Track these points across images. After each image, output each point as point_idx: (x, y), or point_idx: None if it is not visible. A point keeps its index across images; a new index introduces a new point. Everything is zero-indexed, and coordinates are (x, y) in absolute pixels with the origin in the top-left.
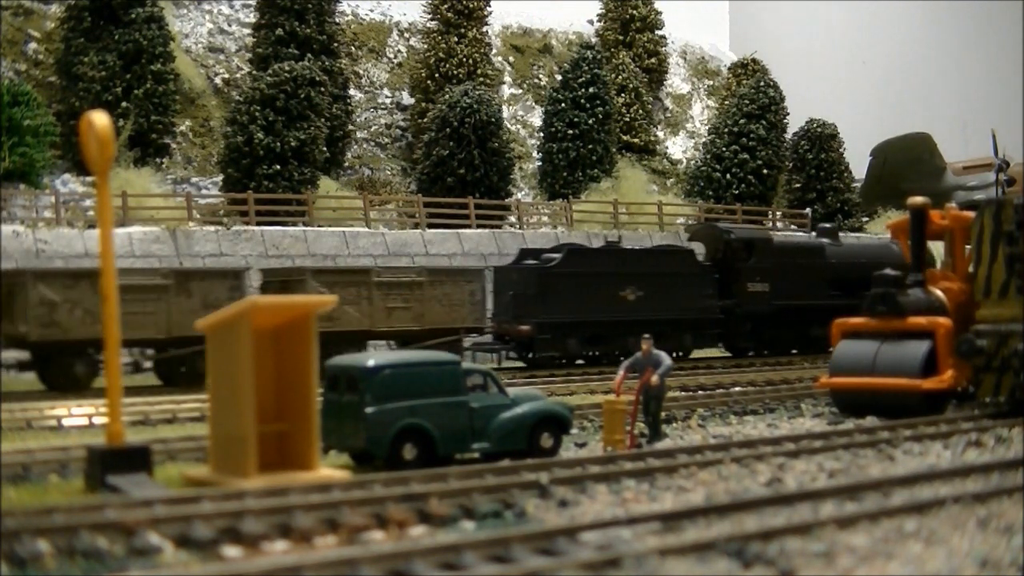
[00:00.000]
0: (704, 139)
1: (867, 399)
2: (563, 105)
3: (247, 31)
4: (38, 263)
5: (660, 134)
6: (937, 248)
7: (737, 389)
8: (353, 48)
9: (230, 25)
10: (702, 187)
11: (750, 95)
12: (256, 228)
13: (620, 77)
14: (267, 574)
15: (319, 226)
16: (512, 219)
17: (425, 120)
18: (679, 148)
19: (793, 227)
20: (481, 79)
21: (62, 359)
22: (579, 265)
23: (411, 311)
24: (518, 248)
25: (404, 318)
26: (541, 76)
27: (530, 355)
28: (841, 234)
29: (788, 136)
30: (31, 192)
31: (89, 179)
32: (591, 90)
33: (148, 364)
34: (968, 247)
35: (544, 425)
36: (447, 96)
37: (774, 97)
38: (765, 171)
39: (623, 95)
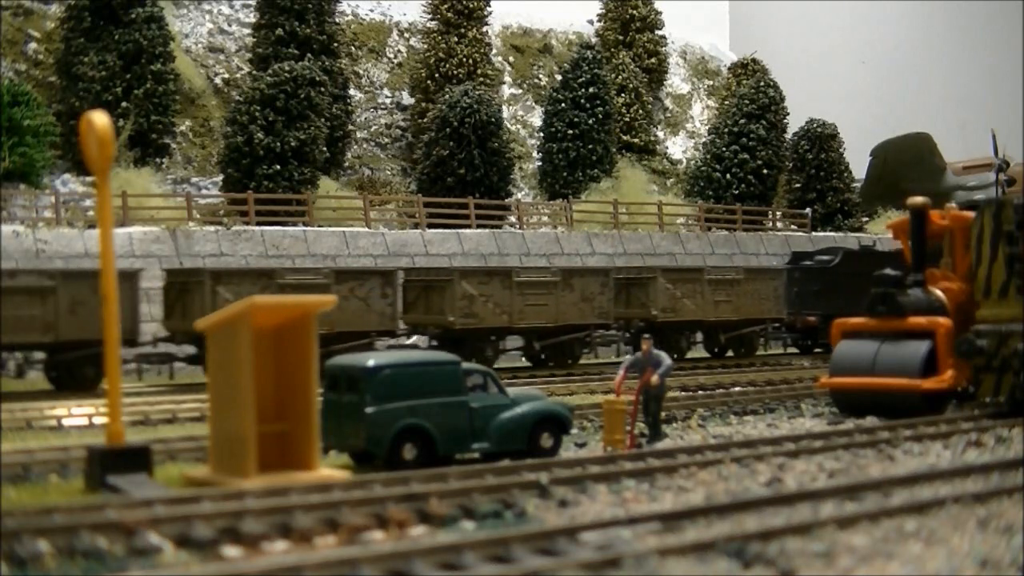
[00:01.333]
0: (704, 139)
1: (867, 399)
2: (563, 105)
3: (247, 31)
4: (38, 263)
5: (660, 134)
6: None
7: (737, 389)
8: (353, 48)
9: (230, 25)
10: (702, 187)
11: (750, 95)
12: (256, 228)
13: (620, 77)
14: (267, 574)
15: (319, 226)
16: (512, 219)
17: (425, 120)
18: (679, 148)
19: (794, 227)
20: (481, 79)
21: (475, 343)
22: (853, 265)
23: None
24: (518, 248)
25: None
26: (541, 76)
27: (816, 342)
28: None
29: (788, 136)
30: (31, 192)
31: (89, 179)
32: (591, 90)
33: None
34: (968, 247)
35: (544, 425)
36: (447, 96)
37: (774, 97)
38: (765, 171)
39: (623, 95)
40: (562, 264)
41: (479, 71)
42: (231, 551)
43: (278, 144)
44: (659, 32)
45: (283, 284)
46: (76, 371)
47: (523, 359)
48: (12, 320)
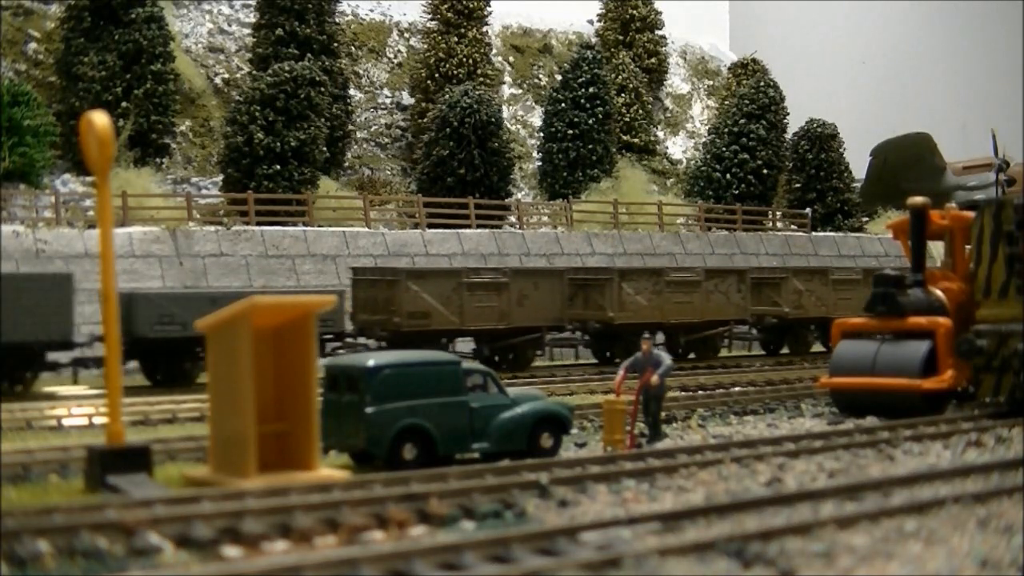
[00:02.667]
0: (704, 139)
1: (867, 399)
2: (563, 105)
3: (247, 31)
4: (37, 263)
5: (660, 134)
6: (937, 248)
7: (737, 389)
8: (353, 48)
9: (230, 25)
10: (702, 187)
11: (750, 95)
12: (256, 228)
13: (620, 77)
14: (267, 574)
15: (319, 226)
16: (512, 219)
17: (425, 120)
18: (679, 148)
19: (794, 227)
20: (481, 79)
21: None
22: None
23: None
24: (518, 248)
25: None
26: (541, 76)
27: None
28: None
29: (788, 136)
30: (31, 192)
31: (89, 179)
32: (591, 90)
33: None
34: (968, 247)
35: (544, 425)
36: (447, 96)
37: (774, 97)
38: (765, 171)
39: (623, 95)
40: (563, 262)
41: (479, 71)
42: (231, 551)
43: (278, 144)
44: (659, 32)
45: (669, 280)
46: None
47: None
48: None
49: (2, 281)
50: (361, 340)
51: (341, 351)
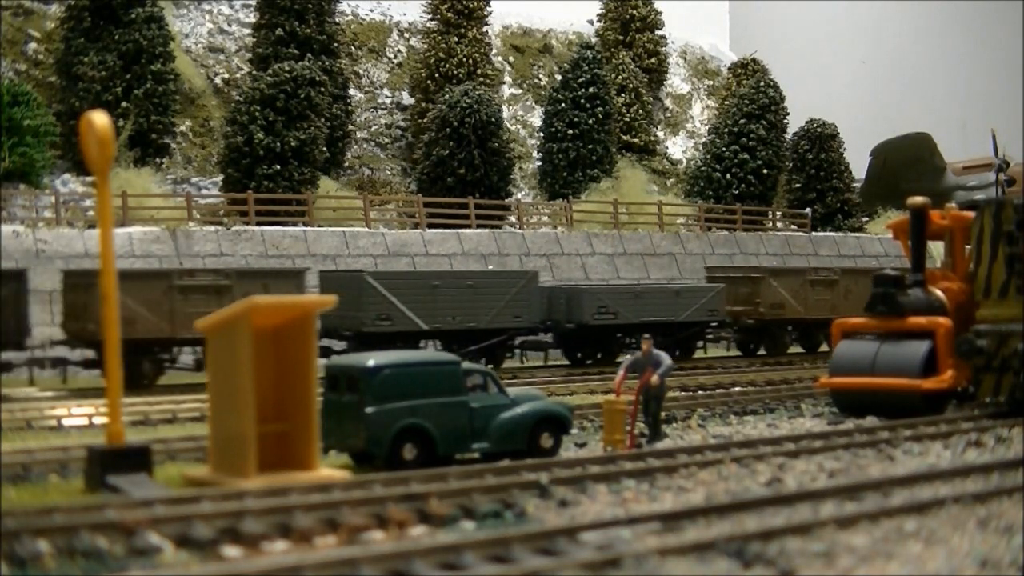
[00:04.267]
0: (704, 139)
1: (867, 399)
2: (563, 105)
3: (247, 31)
4: (37, 263)
5: (660, 134)
6: (937, 248)
7: (737, 389)
8: (353, 48)
9: (230, 25)
10: (702, 187)
11: (750, 95)
12: (256, 228)
13: (620, 77)
14: (267, 574)
15: (319, 226)
16: (512, 219)
17: (425, 120)
18: (679, 148)
19: (794, 227)
20: (481, 79)
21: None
22: None
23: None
24: (518, 248)
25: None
26: (541, 76)
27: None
28: None
29: (788, 136)
30: (31, 192)
31: (89, 179)
32: (591, 90)
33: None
34: (968, 247)
35: (544, 425)
36: (447, 96)
37: (774, 97)
38: (765, 171)
39: (623, 95)
40: (562, 264)
41: (479, 71)
42: (231, 551)
43: (278, 144)
44: (659, 32)
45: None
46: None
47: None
48: None
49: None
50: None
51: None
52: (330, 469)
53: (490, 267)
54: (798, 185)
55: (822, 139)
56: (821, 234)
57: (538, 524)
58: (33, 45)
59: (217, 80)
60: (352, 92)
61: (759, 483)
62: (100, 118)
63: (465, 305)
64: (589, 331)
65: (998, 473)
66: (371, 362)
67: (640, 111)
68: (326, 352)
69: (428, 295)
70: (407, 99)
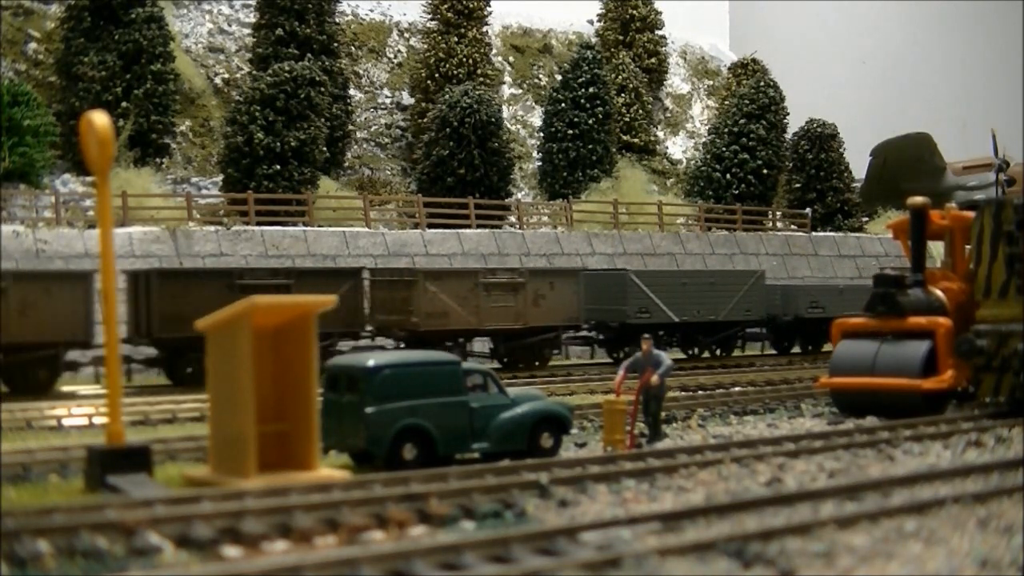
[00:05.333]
0: (704, 139)
1: (867, 399)
2: (563, 105)
3: (247, 31)
4: (38, 263)
5: (660, 134)
6: (937, 248)
7: (737, 389)
8: (353, 48)
9: (230, 25)
10: (702, 187)
11: (750, 95)
12: (256, 228)
13: (620, 77)
14: (267, 574)
15: (319, 226)
16: (512, 219)
17: (425, 120)
18: (679, 148)
19: (794, 227)
20: (481, 79)
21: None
22: None
23: None
24: (518, 248)
25: None
26: (541, 76)
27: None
28: None
29: (788, 136)
30: (31, 192)
31: (89, 179)
32: (591, 90)
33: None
34: (968, 247)
35: (544, 425)
36: (447, 96)
37: (774, 97)
38: (765, 171)
39: (623, 95)
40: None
41: (479, 71)
42: (231, 551)
43: (278, 144)
44: (659, 32)
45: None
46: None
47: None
48: None
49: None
50: None
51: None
52: (330, 469)
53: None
54: (798, 185)
55: (822, 139)
56: (821, 234)
57: (538, 524)
58: (33, 45)
59: (217, 80)
60: (352, 92)
61: (759, 483)
62: (100, 118)
63: (707, 300)
64: (803, 324)
65: (998, 473)
66: (371, 362)
67: (640, 111)
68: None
69: (679, 291)
70: (407, 99)
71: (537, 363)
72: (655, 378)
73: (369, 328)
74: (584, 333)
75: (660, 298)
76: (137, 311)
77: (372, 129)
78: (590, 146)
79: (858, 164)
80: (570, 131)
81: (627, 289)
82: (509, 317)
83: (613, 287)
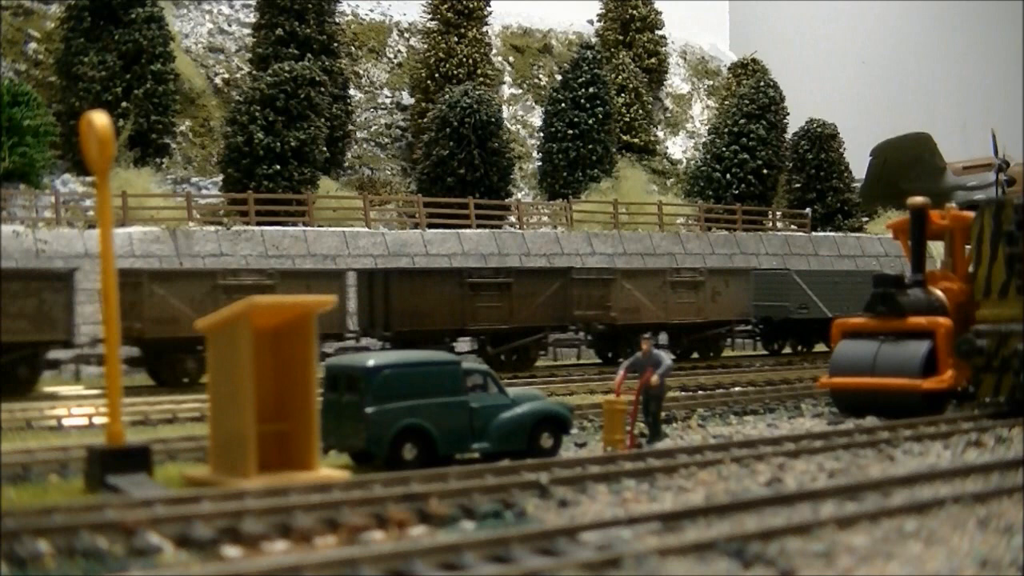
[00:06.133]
0: (704, 139)
1: (867, 399)
2: (563, 105)
3: (247, 31)
4: (37, 263)
5: (660, 134)
6: (937, 248)
7: (737, 389)
8: (353, 48)
9: (230, 25)
10: (702, 187)
11: (750, 95)
12: (256, 228)
13: (620, 77)
14: (267, 574)
15: (319, 226)
16: (512, 219)
17: (425, 120)
18: (679, 148)
19: (794, 227)
20: (481, 79)
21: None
22: None
23: None
24: (518, 248)
25: None
26: (541, 76)
27: None
28: None
29: (788, 136)
30: (31, 192)
31: (89, 179)
32: (591, 90)
33: None
34: (968, 247)
35: (544, 425)
36: (447, 96)
37: (774, 97)
38: (765, 171)
39: (623, 95)
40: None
41: (479, 71)
42: (231, 551)
43: (278, 144)
44: (659, 32)
45: None
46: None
47: None
48: None
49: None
50: None
51: None
52: (330, 469)
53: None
54: (798, 185)
55: (822, 139)
56: (821, 234)
57: (538, 524)
58: (33, 45)
59: (217, 80)
60: (352, 92)
61: (759, 483)
62: (100, 118)
63: (854, 298)
64: None
65: (998, 473)
66: (371, 362)
67: (640, 111)
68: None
69: (831, 289)
70: (407, 99)
71: (712, 354)
72: (655, 378)
73: (573, 323)
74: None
75: (816, 295)
76: (373, 308)
77: (372, 129)
78: (590, 146)
79: (858, 164)
80: (570, 131)
81: (790, 287)
82: (692, 312)
83: (777, 285)
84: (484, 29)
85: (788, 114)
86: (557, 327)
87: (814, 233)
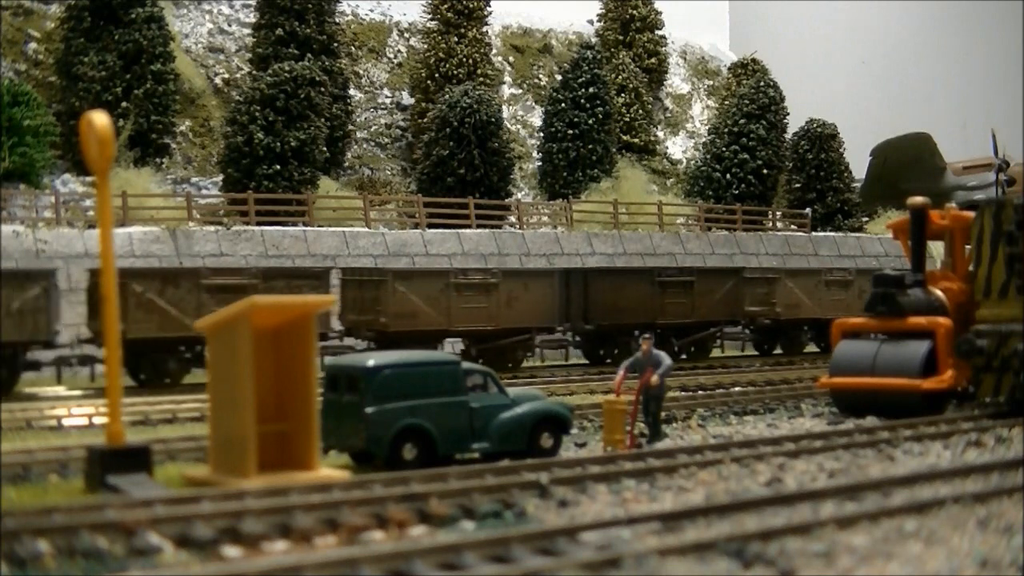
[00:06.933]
0: (704, 139)
1: (867, 399)
2: (563, 105)
3: (247, 31)
4: (38, 263)
5: (660, 134)
6: (937, 248)
7: (737, 389)
8: (353, 48)
9: (230, 25)
10: (702, 187)
11: (750, 95)
12: (256, 228)
13: (620, 77)
14: (267, 574)
15: (319, 226)
16: (512, 219)
17: (425, 120)
18: (679, 148)
19: (794, 227)
20: (481, 79)
21: None
22: None
23: None
24: (518, 248)
25: None
26: (541, 76)
27: None
28: None
29: (788, 136)
30: (31, 192)
31: (89, 179)
32: (591, 90)
33: None
34: (968, 247)
35: (544, 425)
36: (447, 96)
37: (774, 97)
38: (765, 171)
39: (623, 95)
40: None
41: (479, 71)
42: (231, 551)
43: (278, 144)
44: (659, 32)
45: None
46: None
47: None
48: None
49: None
50: None
51: None
52: (330, 469)
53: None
54: (798, 185)
55: (822, 139)
56: (821, 234)
57: (538, 524)
58: (33, 45)
59: (217, 80)
60: (352, 92)
61: (759, 483)
62: (100, 118)
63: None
64: None
65: (998, 473)
66: (371, 362)
67: (640, 111)
68: None
69: None
70: (407, 99)
71: None
72: (655, 378)
73: (743, 317)
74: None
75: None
76: (571, 303)
77: (372, 129)
78: (590, 146)
79: (858, 164)
80: (570, 131)
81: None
82: (842, 308)
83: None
84: (484, 29)
85: (788, 114)
86: (729, 322)
87: (814, 233)
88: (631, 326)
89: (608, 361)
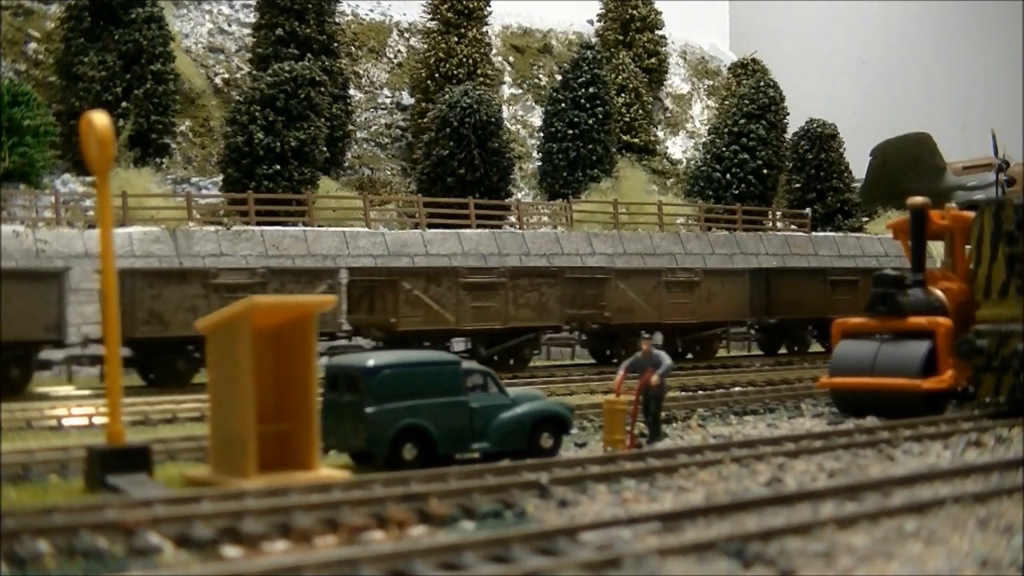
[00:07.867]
0: (704, 139)
1: (867, 399)
2: (563, 105)
3: (247, 31)
4: (38, 263)
5: (660, 134)
6: (937, 248)
7: (737, 389)
8: (353, 48)
9: (230, 25)
10: (702, 187)
11: (750, 95)
12: (256, 228)
13: (620, 77)
14: (267, 574)
15: (319, 226)
16: (512, 219)
17: (425, 120)
18: (679, 148)
19: (794, 227)
20: (481, 79)
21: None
22: None
23: None
24: (518, 248)
25: None
26: (541, 76)
27: None
28: None
29: (788, 136)
30: (31, 192)
31: (89, 179)
32: (591, 90)
33: None
34: (968, 247)
35: (544, 425)
36: (447, 96)
37: (774, 97)
38: (765, 171)
39: (623, 95)
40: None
41: (479, 71)
42: (231, 551)
43: (278, 144)
44: (659, 32)
45: None
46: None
47: None
48: None
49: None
50: None
51: None
52: (330, 469)
53: None
54: (798, 185)
55: (822, 139)
56: (821, 234)
57: (538, 524)
58: (33, 45)
59: (217, 80)
60: (352, 92)
61: (759, 483)
62: (100, 118)
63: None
64: None
65: (998, 473)
66: (371, 362)
67: (640, 111)
68: None
69: None
70: (407, 99)
71: None
72: (655, 378)
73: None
74: None
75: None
76: (754, 299)
77: (372, 129)
78: (590, 146)
79: (858, 164)
80: (570, 131)
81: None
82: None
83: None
84: (484, 29)
85: (788, 114)
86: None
87: (814, 233)
88: (805, 320)
89: (792, 351)
